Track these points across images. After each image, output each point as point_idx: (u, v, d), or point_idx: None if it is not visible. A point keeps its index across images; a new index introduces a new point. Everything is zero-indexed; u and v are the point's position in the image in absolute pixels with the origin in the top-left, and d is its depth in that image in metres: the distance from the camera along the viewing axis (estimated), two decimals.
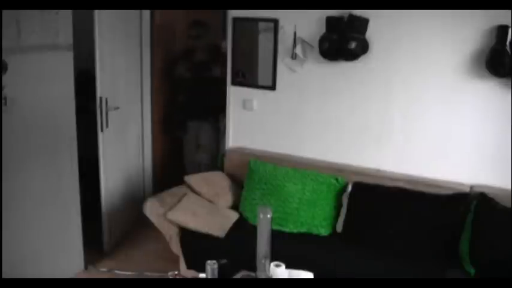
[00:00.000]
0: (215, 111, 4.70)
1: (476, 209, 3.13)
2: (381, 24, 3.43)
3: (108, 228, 4.03)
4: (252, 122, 3.98)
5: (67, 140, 3.51)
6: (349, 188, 3.46)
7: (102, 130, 3.80)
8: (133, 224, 4.41)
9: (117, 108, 3.93)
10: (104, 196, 3.96)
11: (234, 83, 4.00)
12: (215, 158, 4.80)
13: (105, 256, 3.99)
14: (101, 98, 3.76)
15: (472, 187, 3.32)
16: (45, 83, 3.28)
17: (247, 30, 3.90)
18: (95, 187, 3.96)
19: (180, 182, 3.76)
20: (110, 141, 3.91)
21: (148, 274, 3.73)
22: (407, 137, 3.51)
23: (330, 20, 3.49)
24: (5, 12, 2.89)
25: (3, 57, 2.92)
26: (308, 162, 3.73)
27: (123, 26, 4.03)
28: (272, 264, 2.53)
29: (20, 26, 3.03)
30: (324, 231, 3.44)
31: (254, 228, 2.56)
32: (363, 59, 3.49)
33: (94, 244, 3.95)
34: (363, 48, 3.45)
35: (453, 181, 3.37)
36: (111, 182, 4.03)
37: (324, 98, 3.70)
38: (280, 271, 2.53)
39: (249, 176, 3.67)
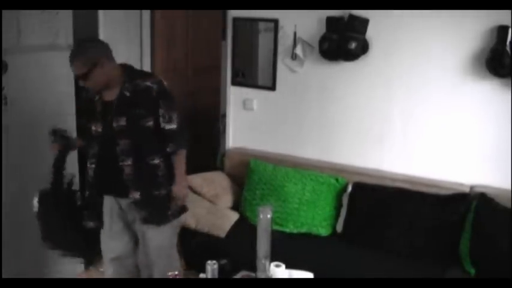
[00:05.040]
0: None
1: (476, 209, 3.13)
2: (381, 24, 3.42)
3: None
4: (252, 122, 3.98)
5: None
6: (349, 188, 3.46)
7: None
8: None
9: None
10: None
11: (234, 83, 4.00)
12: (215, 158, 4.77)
13: None
14: None
15: (472, 187, 3.31)
16: (45, 83, 3.28)
17: (247, 30, 3.90)
18: None
19: None
20: None
21: None
22: (408, 137, 3.51)
23: (330, 20, 3.49)
24: (5, 12, 2.89)
25: (3, 57, 2.93)
26: (308, 162, 3.73)
27: (123, 27, 4.03)
28: (272, 264, 2.52)
29: (20, 26, 3.03)
30: (324, 232, 3.44)
31: (254, 228, 2.56)
32: (363, 59, 3.49)
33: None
34: (363, 48, 3.45)
35: (453, 181, 3.36)
36: None
37: (324, 98, 3.70)
38: (280, 271, 2.53)
39: (249, 176, 3.67)
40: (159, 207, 2.81)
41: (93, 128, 2.76)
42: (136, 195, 2.76)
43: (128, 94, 2.69)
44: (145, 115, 2.69)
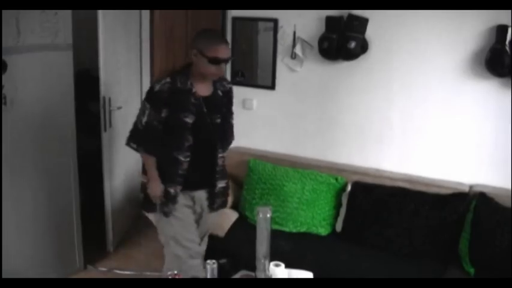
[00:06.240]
0: None
1: (475, 208, 3.13)
2: (380, 23, 3.43)
3: (111, 227, 4.03)
4: (252, 122, 3.98)
5: (67, 140, 3.51)
6: (349, 187, 3.46)
7: (105, 130, 3.79)
8: (134, 224, 4.41)
9: (120, 107, 3.91)
10: (106, 196, 3.96)
11: (234, 82, 4.00)
12: None
13: (105, 256, 3.99)
14: (104, 98, 3.76)
15: (471, 187, 3.32)
16: (45, 83, 3.28)
17: (246, 30, 3.90)
18: (97, 187, 3.96)
19: None
20: (113, 140, 3.90)
21: (148, 274, 3.73)
22: (407, 136, 3.51)
23: (329, 20, 3.49)
24: (5, 12, 2.89)
25: (3, 57, 2.93)
26: (308, 162, 3.73)
27: (123, 26, 4.03)
28: (271, 264, 2.52)
29: (20, 26, 3.03)
30: (323, 231, 3.44)
31: (253, 228, 2.56)
32: (362, 58, 3.49)
33: (95, 244, 3.95)
34: (363, 47, 3.45)
35: (453, 181, 3.37)
36: (115, 182, 4.03)
37: (324, 98, 3.70)
38: (279, 271, 2.53)
39: (249, 175, 3.67)
40: (226, 195, 3.12)
41: (186, 119, 2.77)
42: (223, 183, 3.04)
43: (220, 93, 2.91)
44: (228, 114, 3.00)
